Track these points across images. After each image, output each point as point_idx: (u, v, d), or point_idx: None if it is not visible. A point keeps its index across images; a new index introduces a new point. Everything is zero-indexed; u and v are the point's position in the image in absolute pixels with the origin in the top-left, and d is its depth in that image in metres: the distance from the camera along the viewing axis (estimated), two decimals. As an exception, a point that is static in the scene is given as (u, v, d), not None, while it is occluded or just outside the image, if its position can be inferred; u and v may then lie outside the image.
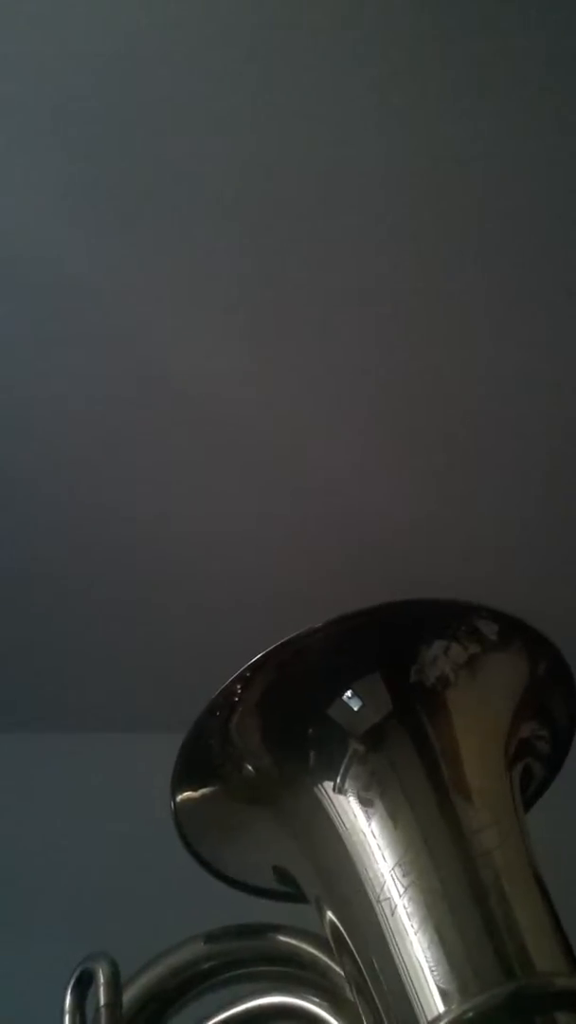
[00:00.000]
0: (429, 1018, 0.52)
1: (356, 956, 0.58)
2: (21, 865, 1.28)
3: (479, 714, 0.62)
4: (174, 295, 1.23)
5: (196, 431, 1.32)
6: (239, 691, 0.60)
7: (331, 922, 0.60)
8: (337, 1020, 0.62)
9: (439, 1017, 0.51)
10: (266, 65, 1.10)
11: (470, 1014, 0.50)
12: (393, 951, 0.55)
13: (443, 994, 0.52)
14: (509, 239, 1.22)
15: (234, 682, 0.59)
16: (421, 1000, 0.53)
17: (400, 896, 0.55)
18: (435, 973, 0.53)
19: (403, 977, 0.54)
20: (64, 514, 1.35)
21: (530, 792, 0.65)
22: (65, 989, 0.62)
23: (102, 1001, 0.61)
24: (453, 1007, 0.51)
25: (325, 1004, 0.62)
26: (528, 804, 0.64)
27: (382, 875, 0.56)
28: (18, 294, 1.21)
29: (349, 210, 1.19)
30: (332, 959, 0.63)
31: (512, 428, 1.35)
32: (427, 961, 0.54)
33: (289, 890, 0.65)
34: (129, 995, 0.63)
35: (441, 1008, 0.52)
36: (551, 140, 1.16)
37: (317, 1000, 0.63)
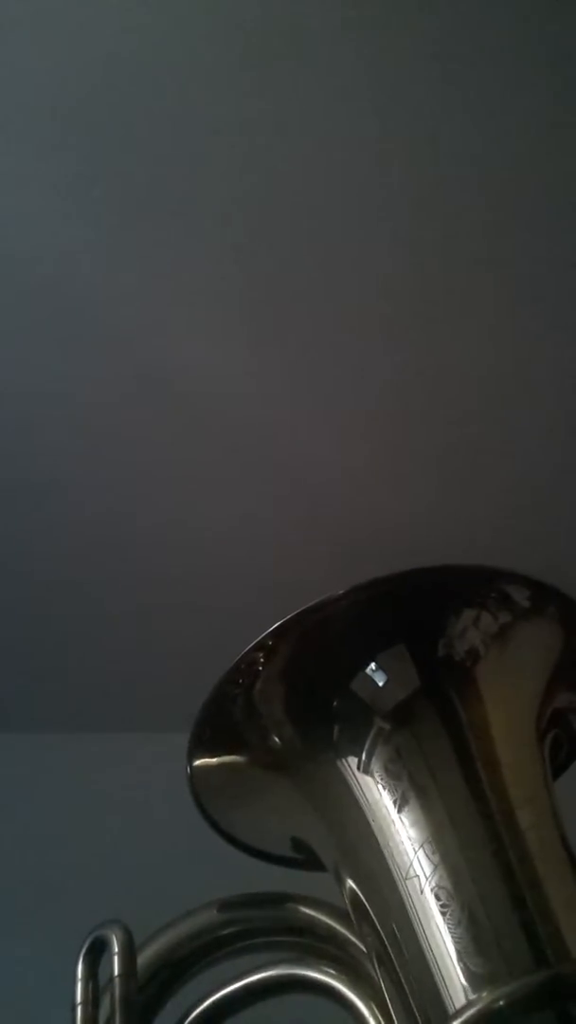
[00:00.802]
0: (458, 1005, 0.50)
1: (380, 931, 0.56)
2: (22, 865, 1.26)
3: (510, 686, 0.60)
4: (174, 295, 1.22)
5: (196, 431, 1.31)
6: (260, 659, 0.59)
7: (353, 896, 0.59)
8: (354, 993, 0.60)
9: (469, 1004, 0.50)
10: (267, 65, 1.10)
11: (501, 1002, 0.49)
12: (420, 931, 0.53)
13: (473, 980, 0.51)
14: (510, 239, 1.22)
15: (255, 649, 0.58)
16: (448, 984, 0.51)
17: (429, 876, 0.54)
18: (464, 957, 0.51)
19: (430, 958, 0.53)
20: (63, 514, 1.34)
21: (556, 764, 0.63)
22: (77, 957, 0.61)
23: (116, 970, 0.59)
24: (484, 995, 0.50)
25: (342, 977, 0.61)
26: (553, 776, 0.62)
27: (409, 853, 0.55)
28: (18, 294, 1.21)
29: (349, 210, 1.19)
30: (351, 931, 0.61)
31: (513, 428, 1.35)
32: (456, 945, 0.52)
33: (306, 858, 0.64)
34: (142, 960, 0.61)
35: (471, 995, 0.50)
36: (552, 140, 1.17)
37: (334, 972, 0.62)
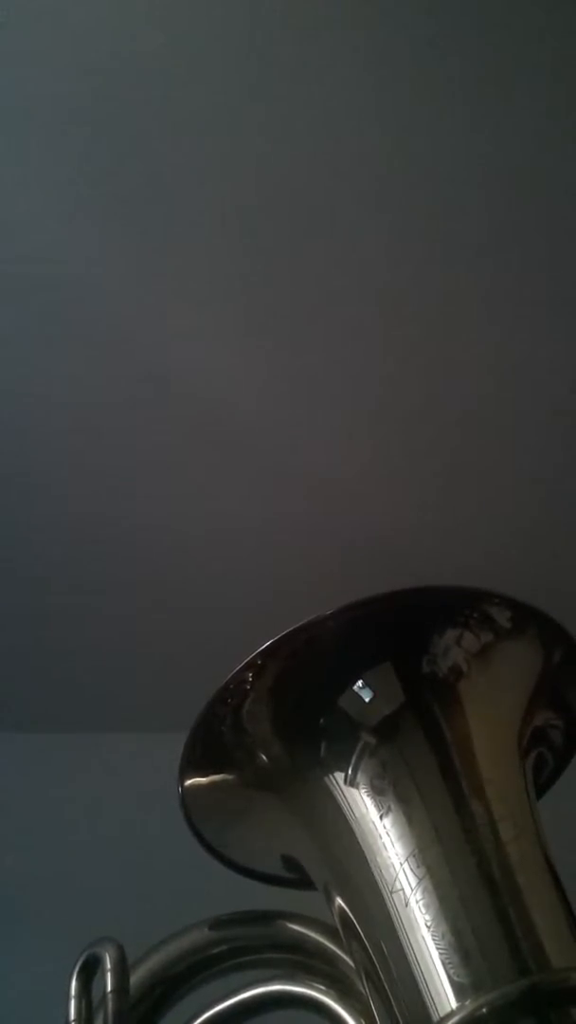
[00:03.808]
0: (442, 1014, 0.51)
1: (367, 945, 0.57)
2: (22, 864, 1.27)
3: (492, 704, 0.61)
4: (174, 295, 1.23)
5: (196, 431, 1.31)
6: (249, 678, 0.59)
7: (341, 912, 0.59)
8: (343, 1008, 0.60)
9: (452, 1013, 0.50)
10: (266, 65, 1.10)
11: (483, 1010, 0.50)
12: (405, 943, 0.54)
13: (456, 989, 0.52)
14: (510, 238, 1.22)
15: (244, 669, 0.59)
16: (433, 994, 0.52)
17: (413, 889, 0.54)
18: (448, 967, 0.52)
19: (415, 970, 0.53)
20: (64, 514, 1.35)
21: (540, 782, 0.63)
22: (70, 974, 0.61)
23: (109, 987, 0.59)
24: (467, 1003, 0.50)
25: (331, 993, 0.61)
26: (538, 794, 0.62)
27: (394, 867, 0.55)
28: (18, 294, 1.21)
29: (349, 209, 1.19)
30: (340, 947, 0.62)
31: (513, 427, 1.35)
32: (440, 955, 0.53)
33: (297, 877, 0.64)
34: (134, 979, 0.61)
35: (454, 1004, 0.51)
36: (552, 137, 1.17)
37: (323, 988, 0.62)
